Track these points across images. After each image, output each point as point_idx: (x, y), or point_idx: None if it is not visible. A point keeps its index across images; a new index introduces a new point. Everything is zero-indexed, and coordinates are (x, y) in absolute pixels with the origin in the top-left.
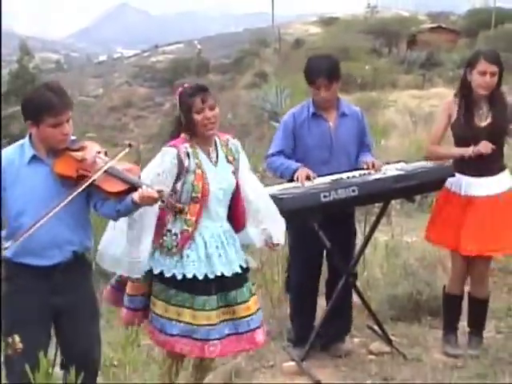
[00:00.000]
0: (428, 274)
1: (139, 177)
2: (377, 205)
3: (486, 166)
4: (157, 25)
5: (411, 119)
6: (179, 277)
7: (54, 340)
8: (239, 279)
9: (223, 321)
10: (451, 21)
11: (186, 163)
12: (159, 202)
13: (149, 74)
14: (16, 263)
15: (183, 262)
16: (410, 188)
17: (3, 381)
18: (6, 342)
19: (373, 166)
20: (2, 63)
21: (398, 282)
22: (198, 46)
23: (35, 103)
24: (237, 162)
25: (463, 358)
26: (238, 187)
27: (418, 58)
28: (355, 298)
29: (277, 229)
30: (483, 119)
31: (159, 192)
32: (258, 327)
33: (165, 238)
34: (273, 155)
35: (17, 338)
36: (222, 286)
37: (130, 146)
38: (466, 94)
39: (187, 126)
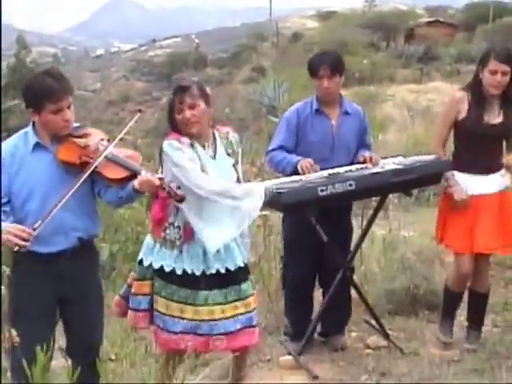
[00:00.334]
0: (425, 268)
1: (140, 165)
2: (374, 199)
3: (490, 164)
4: (154, 19)
5: (409, 113)
6: (179, 272)
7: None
8: (245, 273)
9: (235, 315)
10: (449, 15)
11: (190, 154)
12: (160, 190)
13: (146, 68)
14: (23, 251)
15: (183, 257)
16: (407, 182)
17: (3, 380)
18: (4, 335)
19: (370, 159)
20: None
21: (395, 276)
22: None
23: (35, 90)
24: (237, 155)
25: (460, 352)
26: (239, 181)
27: (416, 52)
28: (352, 292)
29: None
30: (494, 117)
31: (160, 179)
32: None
33: (167, 231)
34: (273, 150)
35: (13, 332)
36: (230, 280)
37: (139, 111)
38: (477, 91)
39: (171, 124)
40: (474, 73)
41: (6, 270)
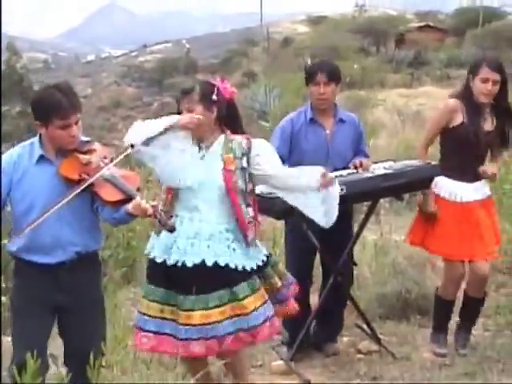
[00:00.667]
0: (417, 272)
1: (138, 188)
2: (365, 203)
3: (476, 172)
4: (144, 24)
5: (399, 118)
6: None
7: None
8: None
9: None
10: (439, 20)
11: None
12: (153, 217)
13: (137, 73)
14: (22, 259)
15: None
16: (398, 186)
17: (3, 380)
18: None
19: (360, 165)
20: None
21: (386, 280)
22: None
23: (44, 104)
24: (239, 162)
25: (451, 357)
26: (228, 191)
27: (406, 57)
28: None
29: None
30: (487, 125)
31: (153, 207)
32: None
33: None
34: None
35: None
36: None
37: (132, 146)
38: (469, 99)
39: None
40: (464, 81)
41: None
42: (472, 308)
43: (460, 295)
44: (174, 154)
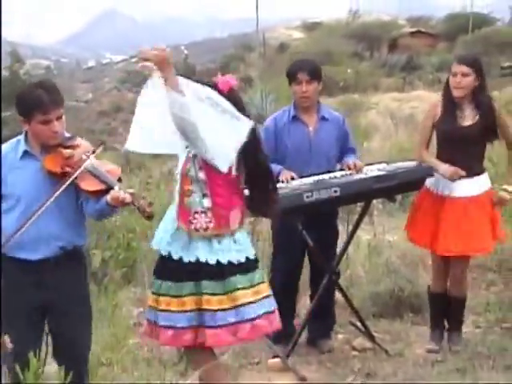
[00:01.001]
0: (409, 271)
1: (119, 178)
2: (359, 204)
3: (467, 169)
4: (144, 30)
5: (392, 121)
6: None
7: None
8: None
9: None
10: (430, 25)
11: None
12: (132, 205)
13: (137, 79)
14: (7, 257)
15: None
16: (390, 188)
17: (3, 381)
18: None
19: (354, 166)
20: None
21: (380, 279)
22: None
23: (26, 100)
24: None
25: (443, 353)
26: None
27: (399, 62)
28: (338, 295)
29: None
30: (466, 120)
31: (131, 194)
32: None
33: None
34: None
35: (7, 338)
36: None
37: (102, 143)
38: (447, 95)
39: None
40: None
41: None
42: (455, 308)
43: None
44: None
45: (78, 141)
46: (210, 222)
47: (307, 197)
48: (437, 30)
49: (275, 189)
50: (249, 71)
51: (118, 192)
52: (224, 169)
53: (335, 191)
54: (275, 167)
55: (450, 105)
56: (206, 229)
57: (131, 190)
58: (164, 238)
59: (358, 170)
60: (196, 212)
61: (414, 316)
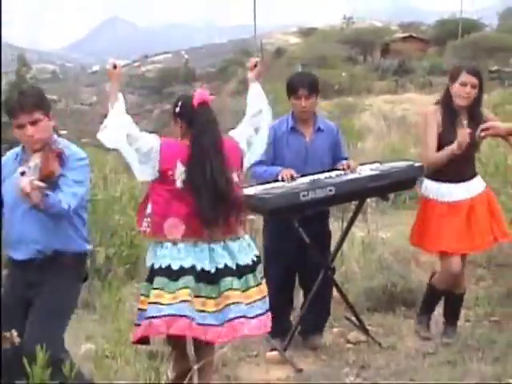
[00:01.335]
0: (402, 267)
1: (49, 173)
2: (353, 203)
3: (464, 172)
4: (145, 36)
5: (385, 122)
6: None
7: None
8: None
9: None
10: (421, 30)
11: None
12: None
13: (139, 82)
14: (8, 256)
15: None
16: (383, 187)
17: (3, 381)
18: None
19: (348, 167)
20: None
21: (373, 275)
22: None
23: (5, 106)
24: None
25: (435, 346)
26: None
27: (391, 66)
28: (333, 290)
29: None
30: (466, 128)
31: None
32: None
33: None
34: (254, 165)
35: (14, 332)
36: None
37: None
38: (448, 104)
39: None
40: (444, 88)
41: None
42: (454, 303)
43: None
44: None
45: (65, 143)
46: (148, 226)
47: (303, 196)
48: (427, 36)
49: (225, 200)
50: (246, 75)
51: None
52: (139, 179)
53: (330, 190)
54: (275, 169)
55: (452, 113)
56: (145, 232)
57: (23, 168)
58: None
59: (353, 170)
60: (146, 215)
61: (407, 310)
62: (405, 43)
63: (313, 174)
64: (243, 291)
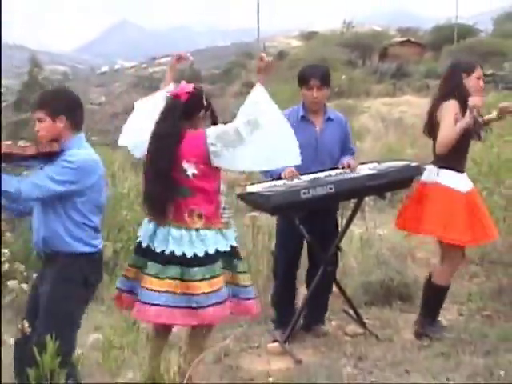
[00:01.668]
0: (399, 263)
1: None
2: (352, 201)
3: (465, 163)
4: (152, 39)
5: (383, 124)
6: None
7: None
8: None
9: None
10: (418, 36)
11: None
12: None
13: (146, 83)
14: None
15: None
16: (381, 186)
17: (3, 381)
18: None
19: (348, 166)
20: (15, 75)
21: (371, 270)
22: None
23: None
24: None
25: (429, 339)
26: None
27: (389, 69)
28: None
29: None
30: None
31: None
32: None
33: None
34: None
35: (25, 323)
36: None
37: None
38: (463, 96)
39: None
40: (454, 80)
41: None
42: (439, 296)
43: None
44: None
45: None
46: None
47: (304, 193)
48: (424, 40)
49: (162, 182)
50: (250, 77)
51: None
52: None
53: (330, 188)
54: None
55: (465, 104)
56: None
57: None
58: None
59: (352, 169)
60: None
61: (403, 304)
62: (402, 47)
63: (322, 166)
64: (159, 278)
